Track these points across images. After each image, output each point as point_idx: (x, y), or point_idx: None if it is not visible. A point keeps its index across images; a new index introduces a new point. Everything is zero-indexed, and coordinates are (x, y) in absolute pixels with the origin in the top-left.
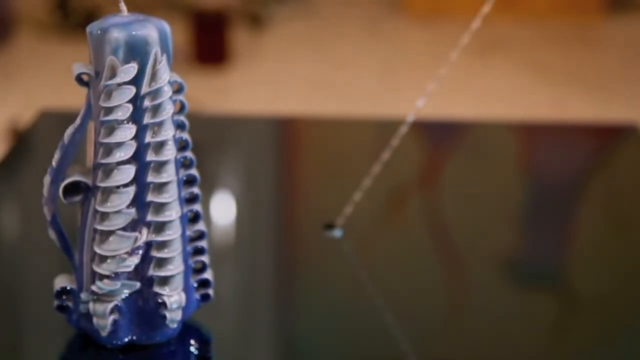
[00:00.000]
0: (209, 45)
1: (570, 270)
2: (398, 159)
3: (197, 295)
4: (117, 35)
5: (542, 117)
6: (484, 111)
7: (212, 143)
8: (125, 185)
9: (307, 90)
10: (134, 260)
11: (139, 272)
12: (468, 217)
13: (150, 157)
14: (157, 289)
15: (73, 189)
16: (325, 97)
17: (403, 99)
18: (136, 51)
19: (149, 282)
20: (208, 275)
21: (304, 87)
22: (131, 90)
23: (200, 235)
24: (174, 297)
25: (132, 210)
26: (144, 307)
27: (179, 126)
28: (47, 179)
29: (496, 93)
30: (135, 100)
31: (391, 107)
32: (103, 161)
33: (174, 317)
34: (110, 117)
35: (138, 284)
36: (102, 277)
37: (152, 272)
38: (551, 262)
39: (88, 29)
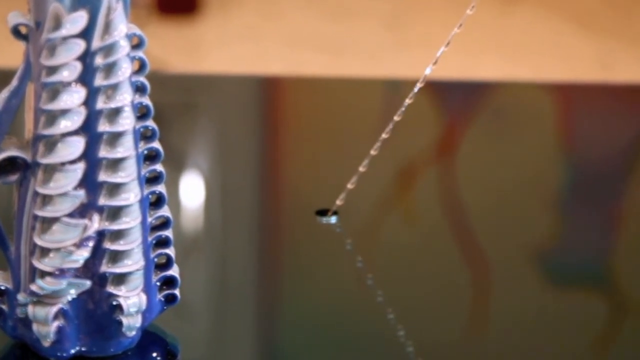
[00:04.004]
0: None
1: (620, 267)
2: (406, 129)
3: (160, 297)
4: None
5: (583, 77)
6: (512, 70)
7: (179, 109)
8: (72, 162)
9: (295, 47)
10: (83, 253)
11: (89, 268)
12: (492, 200)
13: (102, 127)
14: (111, 289)
15: (8, 166)
16: (317, 54)
17: (413, 57)
18: None
19: (101, 280)
20: (174, 271)
21: (291, 43)
22: (79, 45)
23: (164, 223)
24: (131, 299)
25: (81, 193)
26: (96, 311)
27: (139, 89)
28: None
29: (528, 48)
30: (85, 58)
31: (398, 67)
32: (45, 132)
33: (131, 323)
34: (54, 78)
35: (88, 283)
36: (43, 274)
37: (105, 268)
38: (595, 256)
39: None
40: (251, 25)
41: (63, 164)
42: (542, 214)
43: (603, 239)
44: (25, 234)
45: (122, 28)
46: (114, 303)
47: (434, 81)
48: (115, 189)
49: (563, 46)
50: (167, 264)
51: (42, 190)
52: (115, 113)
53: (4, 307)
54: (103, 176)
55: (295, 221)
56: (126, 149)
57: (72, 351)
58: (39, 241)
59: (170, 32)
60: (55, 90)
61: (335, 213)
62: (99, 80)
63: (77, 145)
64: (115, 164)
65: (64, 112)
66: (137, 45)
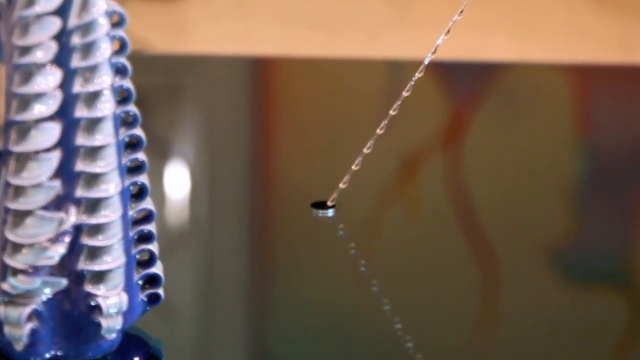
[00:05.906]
0: None
1: None
2: (409, 114)
3: (142, 296)
4: None
5: (602, 58)
6: (525, 50)
7: (162, 93)
8: (47, 150)
9: (289, 25)
10: (59, 249)
11: (65, 265)
12: (502, 191)
13: (80, 112)
14: (89, 288)
15: None
16: (312, 33)
17: (417, 35)
18: None
19: (78, 278)
20: (157, 269)
21: (284, 21)
22: (55, 23)
23: (147, 217)
24: (111, 299)
25: (56, 184)
26: (72, 312)
27: (119, 71)
28: None
29: (542, 26)
30: (61, 37)
31: (401, 46)
32: (18, 118)
33: (111, 325)
34: (27, 59)
35: (64, 282)
36: (16, 272)
37: (82, 265)
38: (616, 252)
39: None
40: (241, 2)
41: (37, 152)
42: (557, 207)
43: (624, 233)
44: None
45: (101, 5)
46: (93, 303)
47: (440, 62)
48: (93, 179)
49: (580, 25)
50: (150, 260)
51: (14, 181)
52: (93, 97)
53: None
54: (80, 165)
55: (289, 214)
56: (105, 136)
57: (47, 355)
58: (10, 236)
59: (153, 9)
60: (28, 72)
61: (332, 206)
62: (75, 62)
63: (52, 132)
64: (93, 153)
65: (38, 96)
66: (118, 23)
